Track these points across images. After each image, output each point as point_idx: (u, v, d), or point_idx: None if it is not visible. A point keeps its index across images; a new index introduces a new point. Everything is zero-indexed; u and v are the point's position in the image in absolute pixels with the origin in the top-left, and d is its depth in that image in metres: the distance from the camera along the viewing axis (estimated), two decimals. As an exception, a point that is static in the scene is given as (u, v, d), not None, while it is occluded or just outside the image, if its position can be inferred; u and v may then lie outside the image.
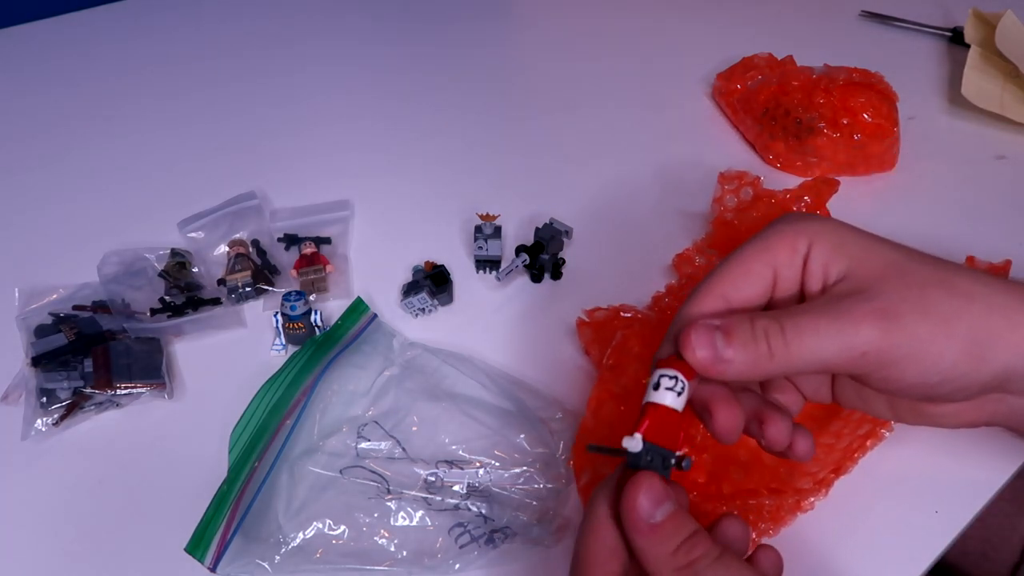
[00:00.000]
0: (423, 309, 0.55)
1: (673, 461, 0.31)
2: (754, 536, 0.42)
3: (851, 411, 0.45)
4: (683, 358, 0.32)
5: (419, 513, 0.43)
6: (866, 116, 0.63)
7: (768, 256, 0.34)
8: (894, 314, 0.31)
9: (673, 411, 0.31)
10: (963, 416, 0.36)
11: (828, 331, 0.31)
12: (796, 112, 0.64)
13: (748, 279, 0.34)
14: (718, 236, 0.56)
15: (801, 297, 0.35)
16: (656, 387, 0.31)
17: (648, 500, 0.30)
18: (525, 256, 0.55)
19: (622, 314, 0.51)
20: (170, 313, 0.54)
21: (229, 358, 0.53)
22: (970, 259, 0.51)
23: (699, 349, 0.32)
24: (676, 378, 0.31)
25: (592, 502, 0.32)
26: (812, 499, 0.44)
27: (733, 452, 0.45)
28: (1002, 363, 0.32)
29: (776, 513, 0.43)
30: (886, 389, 0.33)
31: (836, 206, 0.55)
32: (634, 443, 0.31)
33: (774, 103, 0.65)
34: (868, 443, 0.45)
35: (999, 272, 0.52)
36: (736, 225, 0.55)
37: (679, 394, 0.31)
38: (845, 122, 0.63)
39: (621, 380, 0.46)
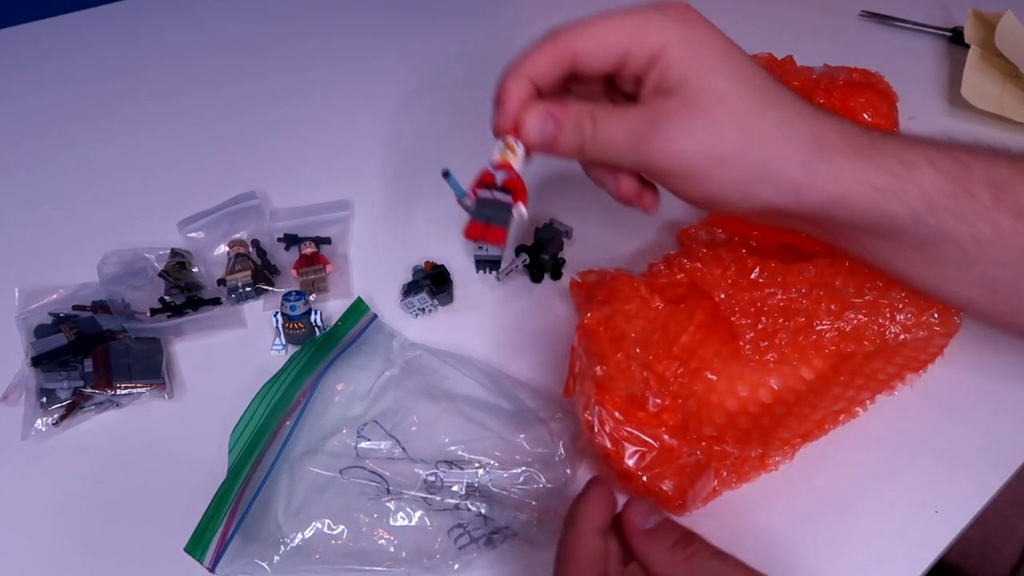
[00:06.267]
0: (423, 309, 0.55)
1: (514, 212, 0.38)
2: (716, 485, 0.44)
3: (829, 388, 0.47)
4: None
5: (418, 513, 0.43)
6: (866, 116, 0.62)
7: (624, 38, 0.36)
8: (682, 116, 0.35)
9: (515, 171, 0.38)
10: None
11: (625, 125, 0.36)
12: (796, 112, 0.64)
13: (602, 49, 0.37)
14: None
15: (638, 86, 0.38)
16: (502, 151, 0.38)
17: (638, 514, 0.35)
18: (525, 256, 0.55)
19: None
20: (170, 313, 0.54)
21: (229, 358, 0.53)
22: None
23: (533, 132, 0.38)
24: (517, 143, 0.38)
25: (573, 518, 0.35)
26: (777, 459, 0.45)
27: (708, 414, 0.47)
28: (766, 200, 0.36)
29: (740, 466, 0.44)
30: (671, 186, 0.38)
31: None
32: (518, 211, 0.38)
33: (774, 103, 0.65)
34: (841, 418, 0.46)
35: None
36: None
37: (521, 158, 0.38)
38: (845, 122, 0.63)
39: (613, 304, 0.47)
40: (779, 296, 0.48)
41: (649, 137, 0.36)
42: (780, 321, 0.48)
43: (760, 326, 0.48)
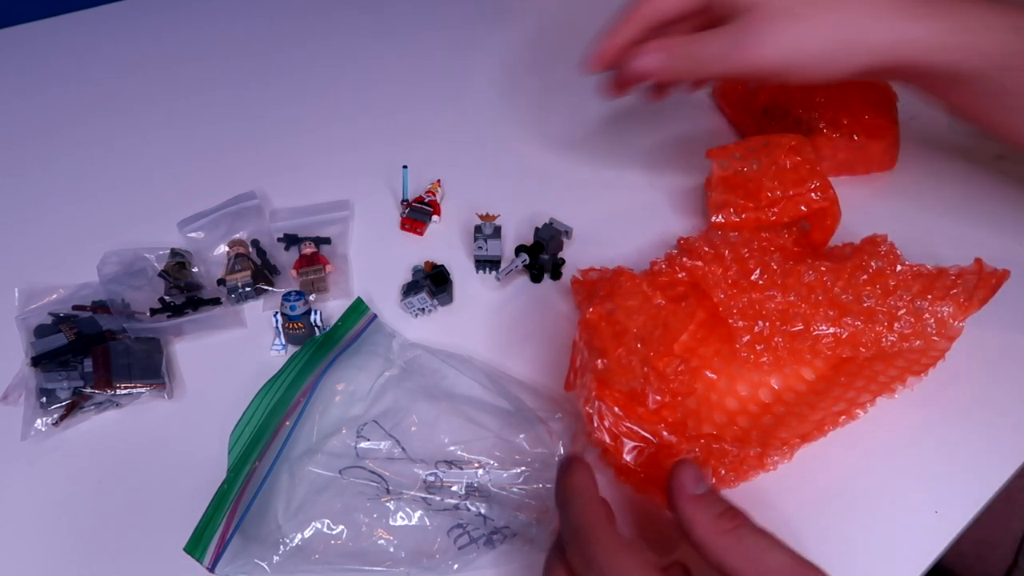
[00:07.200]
0: (423, 309, 0.55)
1: (431, 218, 0.61)
2: (713, 483, 0.43)
3: (830, 390, 0.47)
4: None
5: (418, 513, 0.43)
6: (866, 116, 0.63)
7: None
8: (771, 19, 0.45)
9: (435, 198, 0.63)
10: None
11: (718, 42, 0.46)
12: (796, 112, 0.64)
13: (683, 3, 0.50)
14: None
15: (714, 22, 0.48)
16: (430, 188, 0.63)
17: (689, 478, 0.35)
18: (525, 256, 0.55)
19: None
20: (170, 313, 0.54)
21: (229, 358, 0.53)
22: (978, 261, 0.50)
23: (651, 63, 0.49)
24: (439, 186, 0.64)
25: (576, 489, 0.36)
26: (776, 458, 0.44)
27: (708, 413, 0.48)
28: (863, 63, 0.45)
29: (738, 465, 0.44)
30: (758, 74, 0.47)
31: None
32: (432, 218, 0.62)
33: (774, 103, 0.65)
34: (841, 419, 0.46)
35: None
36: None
37: (439, 193, 0.64)
38: (845, 122, 0.63)
39: (616, 300, 0.47)
40: (778, 299, 0.48)
41: (744, 46, 0.45)
42: (777, 324, 0.48)
43: (757, 329, 0.48)
